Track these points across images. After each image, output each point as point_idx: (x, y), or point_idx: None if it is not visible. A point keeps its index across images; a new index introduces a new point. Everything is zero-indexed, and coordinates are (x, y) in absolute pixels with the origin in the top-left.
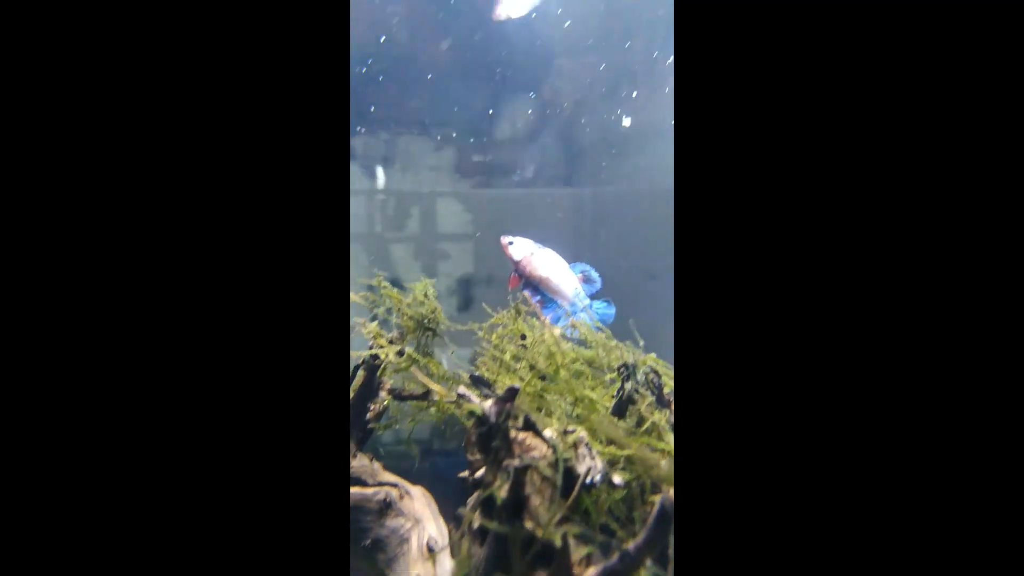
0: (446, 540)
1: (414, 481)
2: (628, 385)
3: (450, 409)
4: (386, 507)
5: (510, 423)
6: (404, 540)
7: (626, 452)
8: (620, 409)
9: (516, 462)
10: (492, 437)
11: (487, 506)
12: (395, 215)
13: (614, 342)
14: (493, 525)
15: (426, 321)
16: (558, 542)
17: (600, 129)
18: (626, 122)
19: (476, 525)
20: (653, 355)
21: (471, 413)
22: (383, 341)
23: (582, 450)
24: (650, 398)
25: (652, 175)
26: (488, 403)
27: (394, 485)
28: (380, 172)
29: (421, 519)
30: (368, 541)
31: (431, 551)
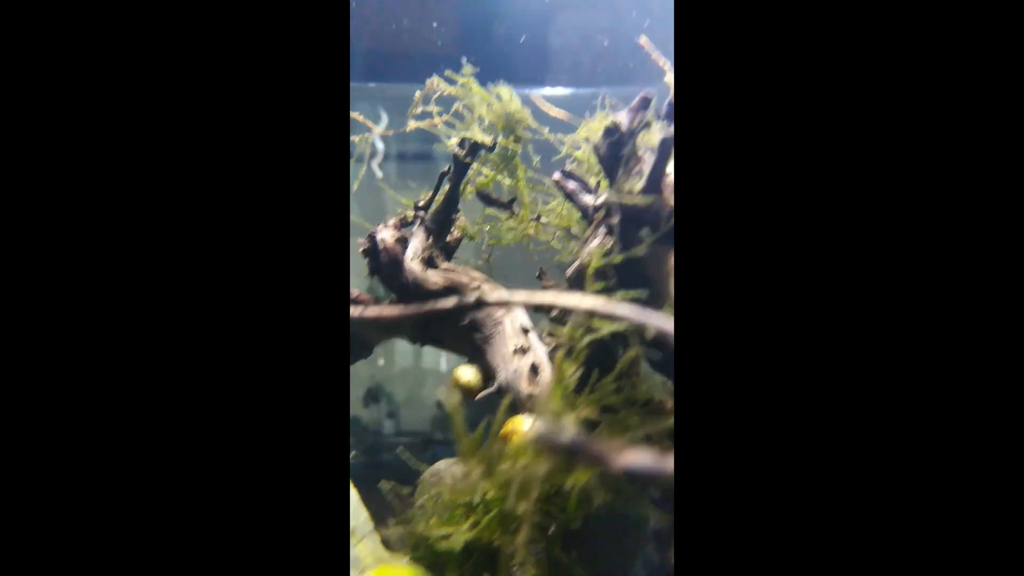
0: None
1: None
2: None
3: (535, 227)
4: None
5: (641, 133)
6: (498, 323)
7: None
8: None
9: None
10: (622, 146)
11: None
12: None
13: None
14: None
15: (513, 122)
16: None
17: None
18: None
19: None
20: None
21: (568, 196)
22: (478, 132)
23: None
24: None
25: None
26: (620, 113)
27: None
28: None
29: (512, 308)
30: (466, 321)
31: (525, 331)
